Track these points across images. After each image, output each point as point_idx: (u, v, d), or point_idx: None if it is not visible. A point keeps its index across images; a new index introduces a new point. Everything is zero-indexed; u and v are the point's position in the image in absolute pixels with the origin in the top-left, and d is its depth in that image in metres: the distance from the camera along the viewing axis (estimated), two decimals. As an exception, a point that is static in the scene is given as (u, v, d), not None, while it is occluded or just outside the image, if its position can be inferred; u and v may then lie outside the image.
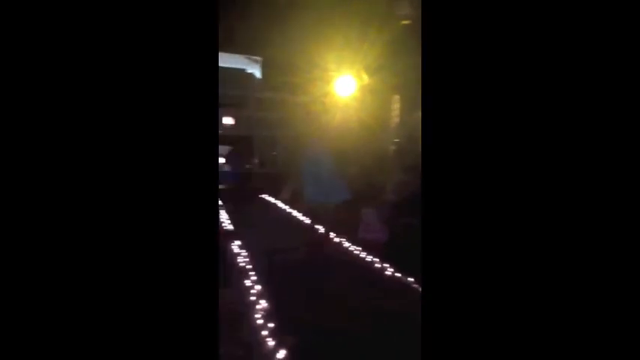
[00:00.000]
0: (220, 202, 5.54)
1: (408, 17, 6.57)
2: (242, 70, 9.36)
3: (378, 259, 3.46)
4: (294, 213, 5.56)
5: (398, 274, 3.13)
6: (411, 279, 3.00)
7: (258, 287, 2.71)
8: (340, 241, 4.05)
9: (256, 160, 9.88)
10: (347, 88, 7.64)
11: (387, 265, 3.30)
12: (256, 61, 9.45)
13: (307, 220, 4.69)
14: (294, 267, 3.42)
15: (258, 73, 9.43)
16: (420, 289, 2.83)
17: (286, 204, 5.93)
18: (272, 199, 6.37)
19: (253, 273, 2.97)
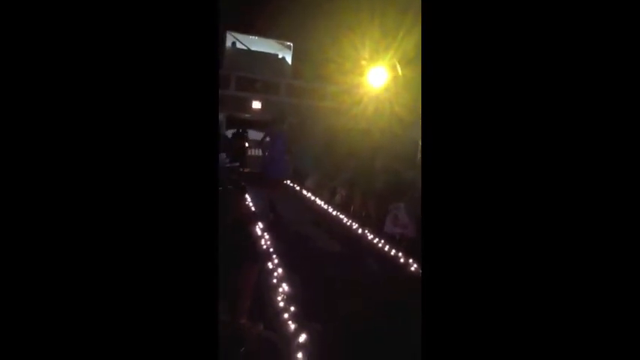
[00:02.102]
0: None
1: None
2: (274, 55, 9.32)
3: (401, 254, 3.41)
4: (320, 202, 5.51)
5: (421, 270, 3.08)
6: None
7: (280, 270, 2.71)
8: (365, 233, 4.01)
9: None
10: (379, 79, 7.51)
11: (411, 261, 3.25)
12: (288, 47, 9.39)
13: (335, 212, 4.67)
14: (317, 255, 3.41)
15: (289, 58, 9.36)
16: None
17: (310, 192, 5.91)
18: (296, 187, 6.36)
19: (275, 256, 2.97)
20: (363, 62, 7.57)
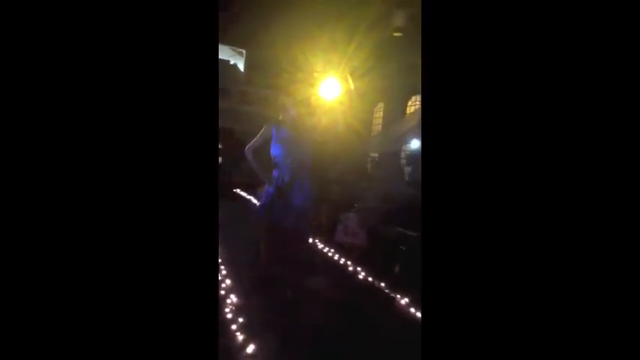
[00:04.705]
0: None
1: (401, 30, 6.65)
2: (225, 61, 9.17)
3: (350, 262, 3.46)
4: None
5: (370, 278, 3.14)
6: (382, 284, 3.01)
7: (228, 281, 2.65)
8: (314, 242, 4.03)
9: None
10: (332, 91, 7.63)
11: (359, 269, 3.31)
12: (240, 54, 9.29)
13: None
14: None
15: (241, 65, 9.27)
16: (396, 297, 2.85)
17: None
18: (245, 194, 6.27)
19: (223, 267, 2.90)
20: (316, 74, 7.66)
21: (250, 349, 1.86)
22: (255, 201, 5.91)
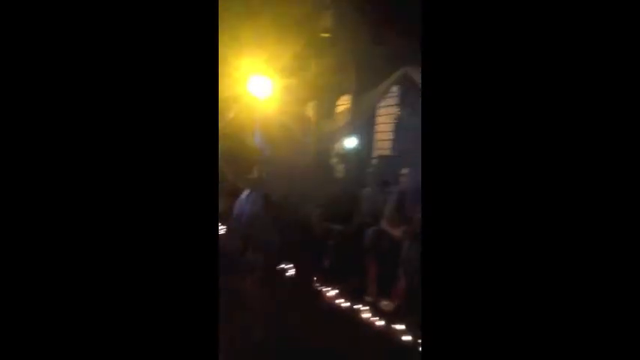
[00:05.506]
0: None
1: (328, 30, 6.74)
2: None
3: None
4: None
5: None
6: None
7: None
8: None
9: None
10: (263, 89, 7.52)
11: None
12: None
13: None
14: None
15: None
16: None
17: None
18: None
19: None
20: (244, 72, 7.51)
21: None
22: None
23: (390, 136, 5.07)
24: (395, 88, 4.91)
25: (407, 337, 2.75)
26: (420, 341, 2.67)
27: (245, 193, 3.61)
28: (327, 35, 6.85)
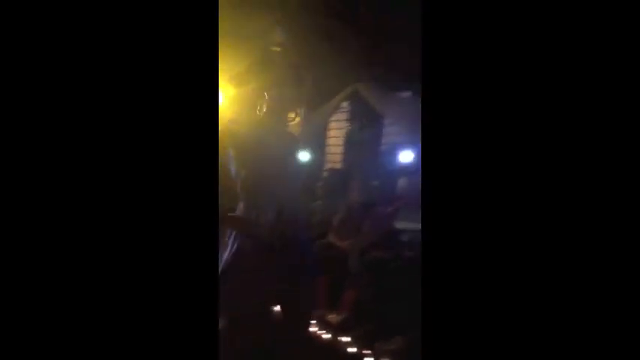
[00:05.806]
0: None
1: (279, 44, 6.79)
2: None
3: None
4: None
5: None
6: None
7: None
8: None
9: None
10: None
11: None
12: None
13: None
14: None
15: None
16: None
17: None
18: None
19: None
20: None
21: None
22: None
23: (341, 149, 5.16)
24: (345, 104, 5.02)
25: (352, 349, 2.76)
26: (364, 352, 2.70)
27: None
28: (277, 49, 6.90)
